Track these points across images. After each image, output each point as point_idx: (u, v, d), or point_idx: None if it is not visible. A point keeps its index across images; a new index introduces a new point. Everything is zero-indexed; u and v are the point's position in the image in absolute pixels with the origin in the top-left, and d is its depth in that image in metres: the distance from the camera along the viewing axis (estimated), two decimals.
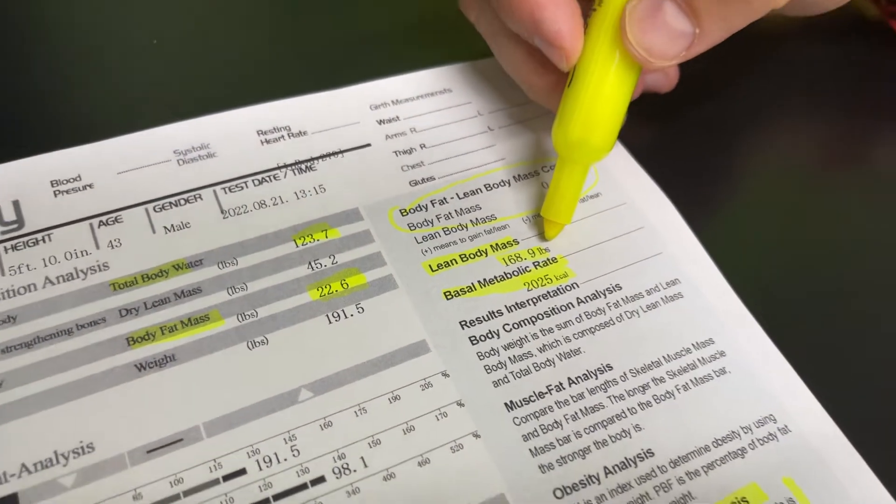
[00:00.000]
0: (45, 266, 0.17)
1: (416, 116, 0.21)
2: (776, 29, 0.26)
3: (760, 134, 0.24)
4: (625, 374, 0.17)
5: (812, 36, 0.26)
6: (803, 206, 0.22)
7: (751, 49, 0.25)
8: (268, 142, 0.20)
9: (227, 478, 0.15)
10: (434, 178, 0.20)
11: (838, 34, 0.27)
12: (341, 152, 0.20)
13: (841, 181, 0.23)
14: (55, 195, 0.18)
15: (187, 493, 0.15)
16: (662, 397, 0.17)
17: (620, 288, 0.19)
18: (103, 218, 0.18)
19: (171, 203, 0.19)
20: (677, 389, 0.17)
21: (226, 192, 0.19)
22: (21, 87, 0.21)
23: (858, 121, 0.25)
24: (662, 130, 0.23)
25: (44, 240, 0.18)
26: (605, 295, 0.19)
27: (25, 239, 0.18)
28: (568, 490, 0.16)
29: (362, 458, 0.16)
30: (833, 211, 0.22)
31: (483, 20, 0.20)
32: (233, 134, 0.20)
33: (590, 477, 0.16)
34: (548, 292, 0.18)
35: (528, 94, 0.20)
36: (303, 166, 0.20)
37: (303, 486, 0.15)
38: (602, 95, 0.18)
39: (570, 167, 0.18)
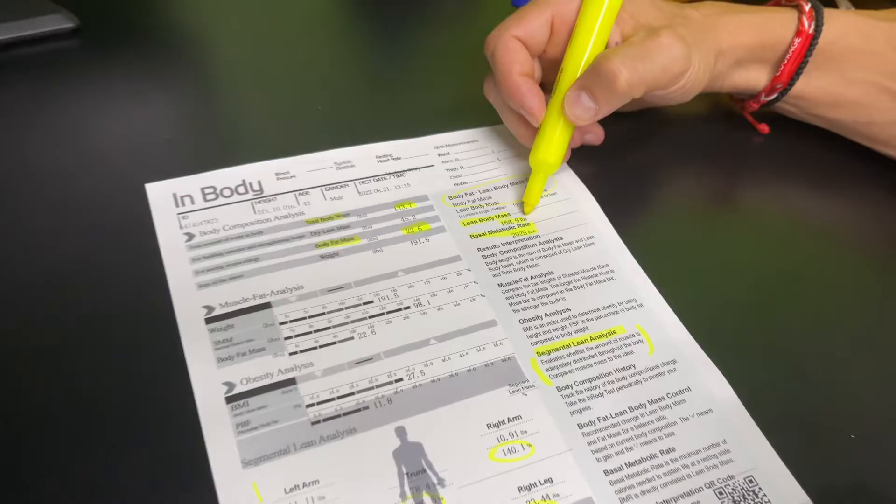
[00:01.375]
0: (274, 211, 0.35)
1: (459, 153, 0.39)
2: (673, 112, 0.43)
3: (658, 169, 0.41)
4: (560, 276, 0.34)
5: (696, 118, 0.44)
6: (673, 197, 0.39)
7: (655, 123, 0.43)
8: (381, 161, 0.38)
9: (364, 304, 0.32)
10: (467, 183, 0.38)
11: (714, 116, 0.44)
12: (418, 168, 0.38)
13: (710, 199, 0.40)
14: (277, 179, 0.36)
15: (346, 308, 0.31)
16: (578, 287, 0.33)
17: (561, 239, 0.36)
18: (301, 191, 0.36)
19: (333, 187, 0.36)
20: (587, 284, 0.34)
21: (360, 184, 0.37)
22: (261, 126, 0.40)
23: (728, 170, 0.42)
24: (596, 164, 0.40)
25: (272, 199, 0.35)
26: (553, 241, 0.35)
27: (263, 199, 0.35)
28: (526, 320, 0.32)
29: (428, 300, 0.32)
30: (699, 210, 0.38)
31: (497, 101, 0.38)
32: (363, 157, 0.38)
33: (538, 316, 0.32)
34: (523, 239, 0.35)
35: (518, 139, 0.38)
36: (398, 174, 0.38)
37: (398, 310, 0.32)
38: (554, 137, 0.35)
39: (538, 175, 0.36)
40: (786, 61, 0.38)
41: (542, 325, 0.32)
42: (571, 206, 0.37)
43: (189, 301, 0.31)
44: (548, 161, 0.36)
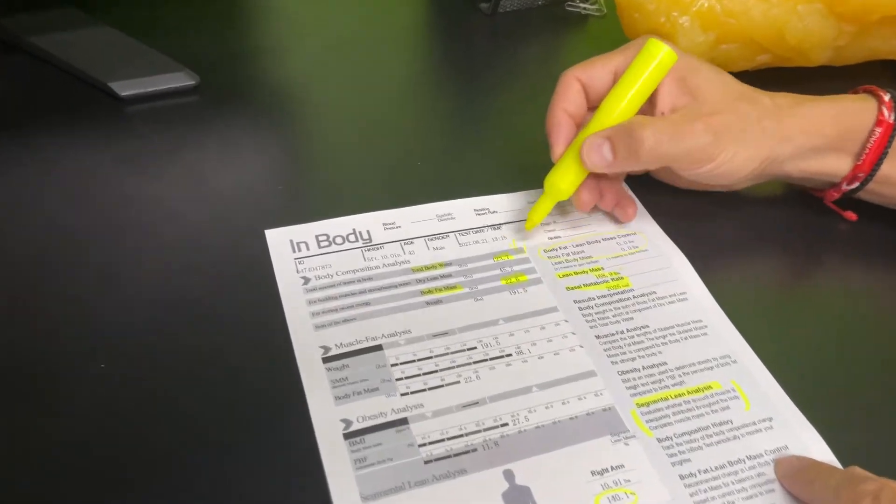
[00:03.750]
0: (382, 259, 0.37)
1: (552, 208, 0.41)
2: (757, 193, 0.44)
3: (747, 238, 0.41)
4: (656, 329, 0.35)
5: (784, 198, 0.44)
6: (762, 264, 0.40)
7: (746, 199, 0.43)
8: (479, 214, 0.40)
9: (468, 350, 0.34)
10: (560, 237, 0.40)
11: (801, 199, 0.44)
12: (514, 222, 0.40)
13: (801, 267, 0.40)
14: (384, 229, 0.39)
15: (452, 353, 0.33)
16: (673, 341, 0.35)
17: (655, 293, 0.37)
18: (406, 241, 0.38)
19: (435, 237, 0.39)
20: (682, 338, 0.35)
21: (460, 235, 0.39)
22: (366, 178, 0.42)
23: (813, 246, 0.41)
24: (686, 228, 0.41)
25: (380, 248, 0.38)
26: (647, 295, 0.37)
27: (372, 247, 0.38)
28: (624, 372, 0.33)
29: (528, 349, 0.34)
30: (790, 276, 0.39)
31: None
32: (462, 210, 0.40)
33: (635, 368, 0.33)
34: (617, 292, 0.37)
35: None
36: (495, 227, 0.40)
37: (500, 357, 0.33)
38: (571, 167, 0.38)
39: (548, 196, 0.38)
40: (867, 150, 0.39)
41: (639, 378, 0.33)
42: (663, 263, 0.39)
43: (307, 341, 0.33)
44: (559, 185, 0.38)
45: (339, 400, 0.31)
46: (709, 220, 0.42)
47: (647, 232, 0.40)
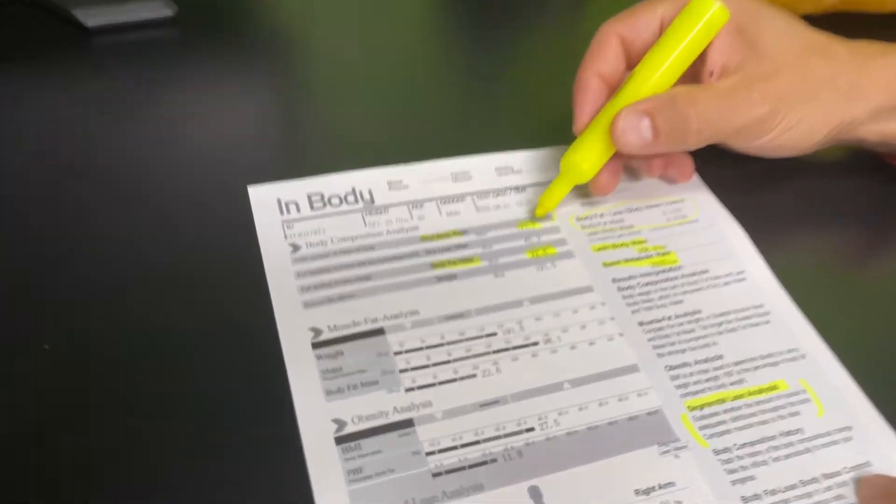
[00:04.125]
0: (386, 224, 0.32)
1: None
2: (825, 157, 0.37)
3: (811, 209, 0.35)
4: (709, 316, 0.30)
5: (853, 165, 0.37)
6: (832, 238, 0.34)
7: (797, 166, 0.36)
8: (501, 174, 0.34)
9: (487, 336, 0.28)
10: (597, 202, 0.34)
11: (876, 165, 0.37)
12: (542, 183, 0.34)
13: (878, 245, 0.35)
14: (389, 189, 0.33)
15: (467, 340, 0.28)
16: (730, 330, 0.29)
17: (707, 272, 0.31)
18: (414, 203, 0.32)
19: (449, 200, 0.33)
20: (740, 327, 0.29)
21: (477, 199, 0.33)
22: (368, 128, 0.36)
23: (878, 222, 0.35)
24: (742, 196, 0.35)
25: (384, 211, 0.32)
26: (698, 274, 0.31)
27: (375, 209, 0.32)
28: (673, 367, 0.28)
29: (558, 336, 0.28)
30: (866, 254, 0.34)
31: None
32: (481, 168, 0.34)
33: (686, 362, 0.28)
34: (663, 270, 0.31)
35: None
36: (519, 189, 0.34)
37: (525, 346, 0.28)
38: (595, 144, 0.31)
39: (564, 178, 0.32)
40: None
41: (691, 374, 0.28)
42: (716, 236, 0.33)
43: (294, 321, 0.28)
44: (580, 166, 0.31)
45: (330, 395, 0.26)
46: (769, 189, 0.36)
47: (696, 198, 0.34)
